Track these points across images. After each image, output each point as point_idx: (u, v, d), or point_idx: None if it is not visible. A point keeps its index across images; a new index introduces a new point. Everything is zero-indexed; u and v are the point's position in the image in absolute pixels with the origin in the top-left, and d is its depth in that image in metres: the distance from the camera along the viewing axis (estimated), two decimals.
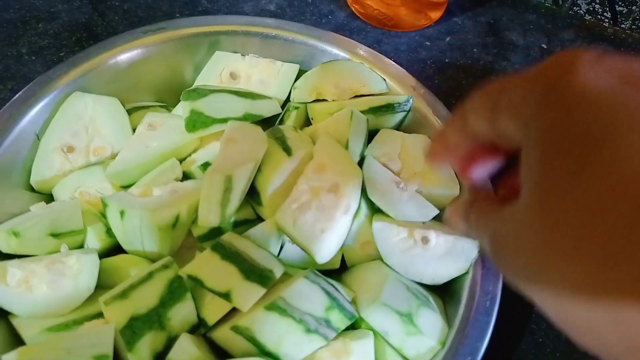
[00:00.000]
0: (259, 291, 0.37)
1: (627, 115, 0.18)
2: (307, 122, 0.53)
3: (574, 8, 0.74)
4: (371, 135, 0.51)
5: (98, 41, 0.53)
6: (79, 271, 0.40)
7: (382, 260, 0.44)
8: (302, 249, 0.43)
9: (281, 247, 0.45)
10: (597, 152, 0.18)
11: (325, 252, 0.42)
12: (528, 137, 0.21)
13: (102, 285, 0.41)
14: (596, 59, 0.21)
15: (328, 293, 0.39)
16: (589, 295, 0.18)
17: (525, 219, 0.21)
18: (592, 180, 0.18)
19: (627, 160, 0.17)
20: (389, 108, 0.51)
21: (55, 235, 0.41)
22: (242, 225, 0.45)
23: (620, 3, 0.71)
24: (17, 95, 0.48)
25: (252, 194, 0.44)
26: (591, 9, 0.73)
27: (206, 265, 0.38)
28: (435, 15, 0.70)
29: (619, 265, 0.17)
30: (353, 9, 0.71)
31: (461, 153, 0.29)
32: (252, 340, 0.36)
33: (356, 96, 0.53)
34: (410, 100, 0.52)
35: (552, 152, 0.20)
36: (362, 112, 0.50)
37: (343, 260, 0.46)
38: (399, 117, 0.53)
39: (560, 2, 0.74)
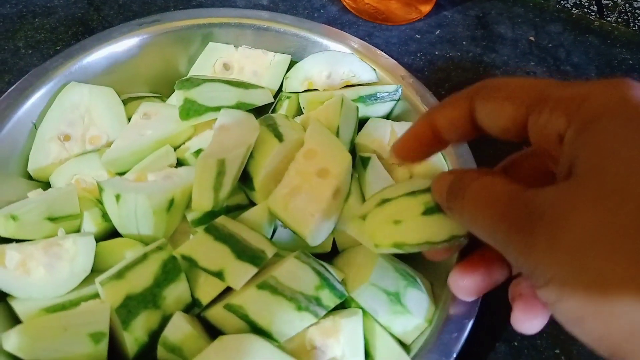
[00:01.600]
0: (250, 270, 0.38)
1: None
2: (299, 111, 0.54)
3: (561, 2, 0.75)
4: (361, 124, 0.52)
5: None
6: (76, 253, 0.41)
7: None
8: (294, 233, 0.44)
9: (274, 231, 0.46)
10: None
11: (317, 234, 0.43)
12: (589, 127, 0.23)
13: (97, 268, 0.42)
14: None
15: (318, 272, 0.40)
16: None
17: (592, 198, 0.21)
18: None
19: None
20: (378, 97, 0.53)
21: (52, 219, 0.42)
22: (235, 211, 0.46)
23: None
24: (14, 86, 0.49)
25: (245, 180, 0.45)
26: (578, 2, 0.75)
27: (200, 246, 0.39)
28: (426, 9, 0.71)
29: None
30: (345, 3, 0.72)
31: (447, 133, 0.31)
32: (245, 318, 0.37)
33: (346, 86, 0.55)
34: (400, 90, 0.53)
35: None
36: (353, 100, 0.51)
37: (334, 244, 0.47)
38: (388, 106, 0.54)
39: None
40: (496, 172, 0.28)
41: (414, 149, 0.33)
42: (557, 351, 0.47)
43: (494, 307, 0.45)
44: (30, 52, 0.64)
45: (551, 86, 0.26)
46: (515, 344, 0.48)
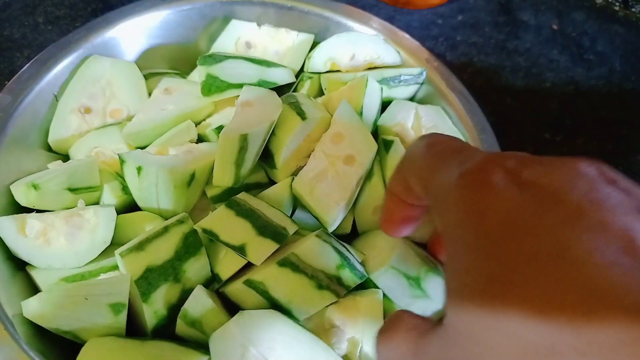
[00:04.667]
0: (272, 246, 0.38)
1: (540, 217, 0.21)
2: (320, 92, 0.53)
3: None
4: (384, 107, 0.52)
5: None
6: (96, 224, 0.40)
7: None
8: (315, 217, 0.43)
9: (294, 210, 0.45)
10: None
11: (337, 221, 0.43)
12: (451, 226, 0.23)
13: (116, 241, 0.42)
14: (514, 172, 0.23)
15: (339, 252, 0.39)
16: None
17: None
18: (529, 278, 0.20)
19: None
20: (402, 79, 0.52)
21: (72, 190, 0.42)
22: (254, 189, 0.46)
23: None
24: (36, 57, 0.48)
25: (266, 157, 0.45)
26: None
27: (221, 221, 0.39)
28: None
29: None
30: None
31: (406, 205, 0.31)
32: (265, 294, 0.37)
33: (370, 68, 0.54)
34: (424, 73, 0.52)
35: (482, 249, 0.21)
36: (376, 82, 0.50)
37: (354, 226, 0.47)
38: (412, 89, 0.53)
39: None
40: (411, 316, 0.28)
41: (396, 222, 0.33)
42: None
43: None
44: (50, 27, 0.64)
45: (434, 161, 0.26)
46: None
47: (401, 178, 0.30)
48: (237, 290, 0.38)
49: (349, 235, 0.46)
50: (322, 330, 0.38)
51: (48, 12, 0.65)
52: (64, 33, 0.62)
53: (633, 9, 0.73)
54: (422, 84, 0.53)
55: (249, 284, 0.37)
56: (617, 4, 0.73)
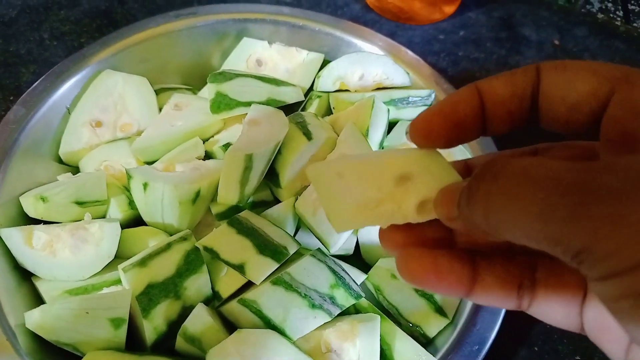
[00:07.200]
0: (271, 265, 0.38)
1: None
2: (329, 111, 0.54)
3: (587, 6, 0.75)
4: (391, 127, 0.52)
5: (117, 28, 0.54)
6: (101, 238, 0.41)
7: None
8: (317, 238, 0.43)
9: (297, 230, 0.46)
10: None
11: (339, 243, 0.43)
12: None
13: (120, 255, 0.42)
14: None
15: (334, 272, 0.40)
16: None
17: None
18: None
19: None
20: (410, 101, 0.52)
21: (79, 203, 0.43)
22: (259, 207, 0.46)
23: (632, 2, 0.72)
24: (51, 70, 0.49)
25: (271, 176, 0.45)
26: (603, 7, 0.74)
27: (222, 238, 0.39)
28: (449, 9, 0.71)
29: None
30: (368, 1, 0.71)
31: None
32: (258, 313, 0.37)
33: (379, 88, 0.54)
34: (433, 95, 0.52)
35: None
36: (384, 103, 0.51)
37: (357, 247, 0.47)
38: (420, 110, 0.53)
39: (573, 0, 0.75)
40: None
41: (442, 125, 0.24)
42: (578, 357, 0.47)
43: (515, 312, 0.44)
44: (55, 43, 0.64)
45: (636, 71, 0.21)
46: (536, 348, 0.47)
47: (525, 75, 0.23)
48: (232, 309, 0.38)
49: (352, 257, 0.46)
50: (319, 354, 0.38)
51: (53, 27, 0.66)
52: (69, 49, 0.63)
53: (634, 24, 0.73)
54: (430, 105, 0.53)
55: (243, 302, 0.37)
56: (618, 19, 0.73)
